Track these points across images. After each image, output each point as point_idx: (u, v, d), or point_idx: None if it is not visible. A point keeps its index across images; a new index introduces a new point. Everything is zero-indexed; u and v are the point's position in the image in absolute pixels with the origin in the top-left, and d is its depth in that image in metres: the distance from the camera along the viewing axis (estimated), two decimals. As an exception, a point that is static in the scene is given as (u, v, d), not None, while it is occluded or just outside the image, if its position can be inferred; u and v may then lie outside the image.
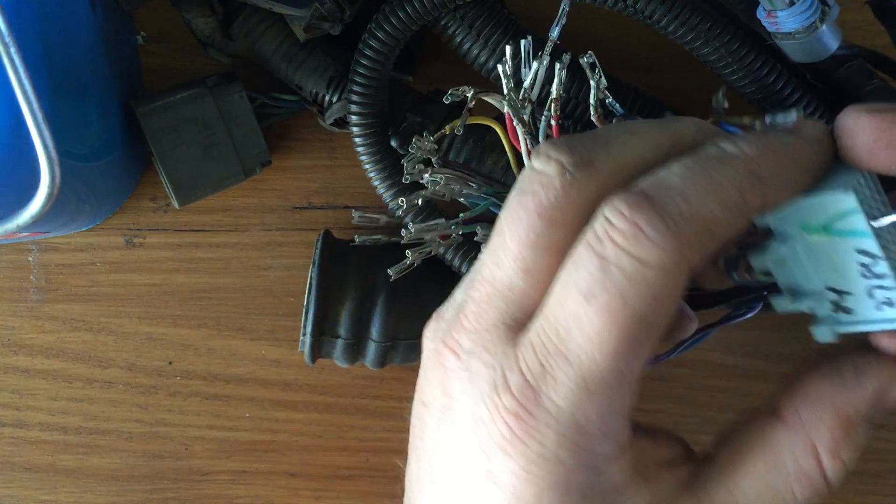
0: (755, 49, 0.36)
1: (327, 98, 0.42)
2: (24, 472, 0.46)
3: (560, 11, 0.32)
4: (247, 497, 0.46)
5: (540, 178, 0.26)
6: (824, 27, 0.31)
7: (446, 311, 0.29)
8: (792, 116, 0.29)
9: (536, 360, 0.25)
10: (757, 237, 0.28)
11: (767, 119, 0.30)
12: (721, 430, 0.29)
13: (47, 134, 0.28)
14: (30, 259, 0.45)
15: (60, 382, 0.45)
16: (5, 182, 0.31)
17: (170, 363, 0.45)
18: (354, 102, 0.39)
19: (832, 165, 0.28)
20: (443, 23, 0.38)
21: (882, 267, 0.27)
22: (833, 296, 0.28)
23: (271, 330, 0.45)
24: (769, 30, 0.32)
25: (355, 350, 0.41)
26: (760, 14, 0.32)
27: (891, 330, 0.28)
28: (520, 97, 0.32)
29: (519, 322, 0.26)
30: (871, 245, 0.26)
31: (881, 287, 0.27)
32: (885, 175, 0.27)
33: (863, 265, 0.27)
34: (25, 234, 0.39)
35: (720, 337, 0.32)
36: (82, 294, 0.45)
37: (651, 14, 0.35)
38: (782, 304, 0.29)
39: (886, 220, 0.26)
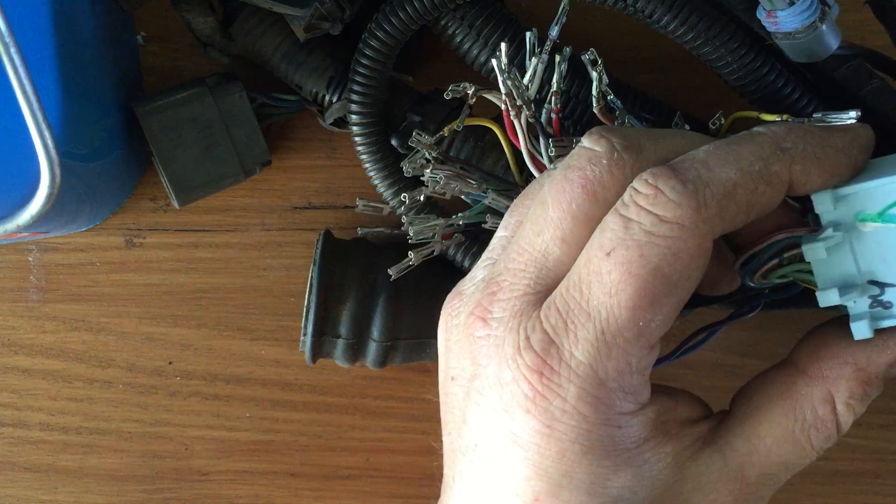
0: (755, 48, 0.36)
1: (327, 98, 0.42)
2: (24, 472, 0.46)
3: (560, 10, 0.32)
4: (247, 497, 0.46)
5: (589, 154, 0.27)
6: (824, 27, 0.31)
7: (466, 287, 0.30)
8: (850, 115, 0.29)
9: (560, 317, 0.26)
10: (804, 229, 0.29)
11: (819, 114, 0.30)
12: (740, 388, 0.30)
13: (47, 134, 0.28)
14: (30, 259, 0.45)
15: (60, 382, 0.45)
16: (5, 182, 0.31)
17: (170, 363, 0.45)
18: (354, 102, 0.39)
19: (887, 160, 0.28)
20: (443, 23, 0.38)
21: None
22: (874, 290, 0.28)
23: (271, 330, 0.45)
24: (769, 29, 0.32)
25: (356, 350, 0.41)
26: (760, 14, 0.32)
27: None
28: (518, 91, 0.32)
29: (549, 289, 0.27)
30: None
31: None
32: None
33: None
34: (25, 234, 0.39)
35: (720, 337, 0.32)
36: (82, 294, 0.45)
37: (651, 13, 0.35)
38: (827, 298, 0.29)
39: None
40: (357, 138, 0.40)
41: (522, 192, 0.31)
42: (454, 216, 0.35)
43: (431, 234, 0.36)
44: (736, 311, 0.32)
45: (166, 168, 0.40)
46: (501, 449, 0.27)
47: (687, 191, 0.26)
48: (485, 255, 0.31)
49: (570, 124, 0.39)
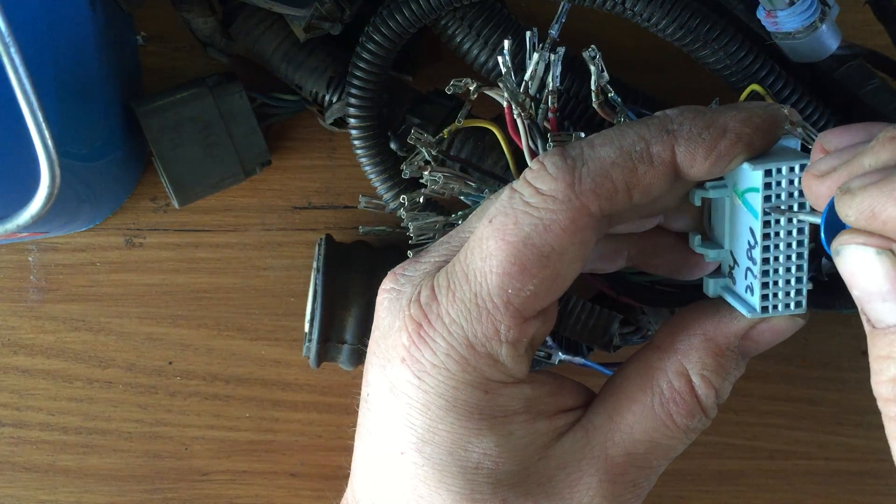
0: (754, 51, 0.36)
1: (327, 98, 0.42)
2: (24, 472, 0.46)
3: (559, 10, 0.32)
4: (247, 497, 0.46)
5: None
6: (824, 27, 0.31)
7: None
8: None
9: (445, 277, 0.27)
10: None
11: None
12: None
13: (47, 134, 0.28)
14: (30, 259, 0.45)
15: (60, 382, 0.45)
16: (5, 182, 0.31)
17: (170, 363, 0.45)
18: (353, 105, 0.39)
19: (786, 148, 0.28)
20: (443, 23, 0.38)
21: (757, 253, 0.27)
22: (730, 259, 0.29)
23: (271, 330, 0.45)
24: (769, 30, 0.32)
25: (361, 354, 0.41)
26: (760, 14, 0.32)
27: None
28: (520, 89, 0.32)
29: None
30: (757, 228, 0.27)
31: (750, 271, 0.28)
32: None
33: (749, 244, 0.28)
34: (25, 234, 0.39)
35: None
36: (82, 294, 0.45)
37: (649, 17, 0.35)
38: (695, 245, 0.30)
39: (777, 213, 0.27)
40: (356, 140, 0.40)
41: None
42: (453, 215, 0.35)
43: (432, 234, 0.36)
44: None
45: (166, 168, 0.40)
46: (383, 398, 0.28)
47: (565, 165, 0.26)
48: None
49: (570, 124, 0.39)
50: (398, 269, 0.30)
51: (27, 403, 0.45)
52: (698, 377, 0.28)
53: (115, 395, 0.45)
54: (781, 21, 0.31)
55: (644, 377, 0.29)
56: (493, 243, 0.26)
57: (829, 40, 0.31)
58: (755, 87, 0.30)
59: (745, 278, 0.28)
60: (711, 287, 0.30)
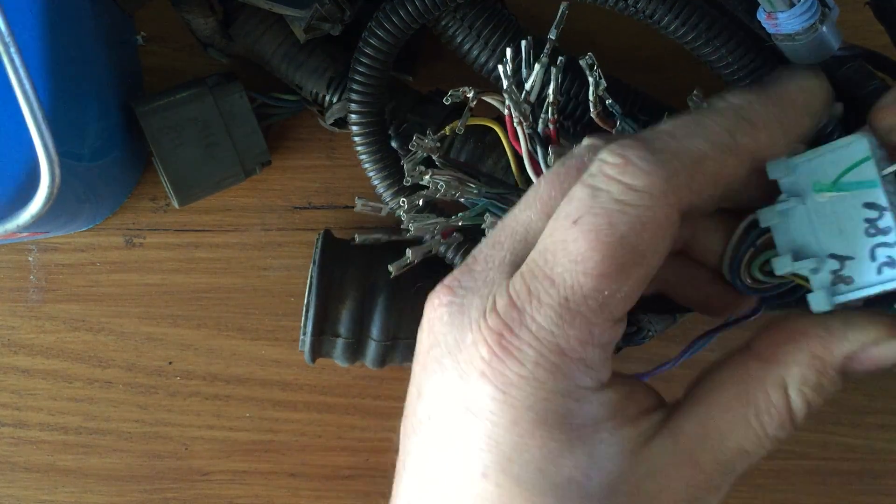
0: (755, 48, 0.36)
1: (327, 98, 0.42)
2: (24, 472, 0.46)
3: (559, 15, 0.32)
4: (247, 497, 0.46)
5: (588, 146, 0.28)
6: (824, 28, 0.31)
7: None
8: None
9: (524, 284, 0.26)
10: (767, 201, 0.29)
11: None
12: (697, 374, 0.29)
13: (47, 134, 0.28)
14: (30, 259, 0.45)
15: (60, 382, 0.45)
16: (5, 182, 0.31)
17: (170, 363, 0.45)
18: (354, 102, 0.39)
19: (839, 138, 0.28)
20: (443, 23, 0.38)
21: (889, 220, 0.27)
22: (834, 264, 0.28)
23: (271, 330, 0.45)
24: (769, 31, 0.32)
25: (355, 349, 0.41)
26: (760, 15, 0.32)
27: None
28: (521, 98, 0.32)
29: (522, 262, 0.27)
30: (880, 196, 0.27)
31: (884, 244, 0.27)
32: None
33: (868, 220, 0.27)
34: (25, 234, 0.39)
35: (720, 337, 0.32)
36: (82, 294, 0.45)
37: (652, 13, 0.35)
38: (783, 264, 0.29)
39: (892, 169, 0.27)
40: (357, 138, 0.40)
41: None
42: (453, 217, 0.35)
43: (431, 234, 0.36)
44: (737, 316, 0.32)
45: (166, 168, 0.40)
46: (454, 419, 0.27)
47: (657, 160, 0.26)
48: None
49: (571, 124, 0.39)
50: (450, 281, 0.28)
51: (27, 403, 0.45)
52: (797, 392, 0.27)
53: (115, 395, 0.46)
54: (782, 23, 0.31)
55: (741, 385, 0.28)
56: (585, 244, 0.25)
57: (830, 42, 0.31)
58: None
59: (874, 259, 0.27)
60: (819, 302, 0.29)
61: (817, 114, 0.28)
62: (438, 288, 0.28)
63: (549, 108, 0.32)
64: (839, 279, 0.28)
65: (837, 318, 0.28)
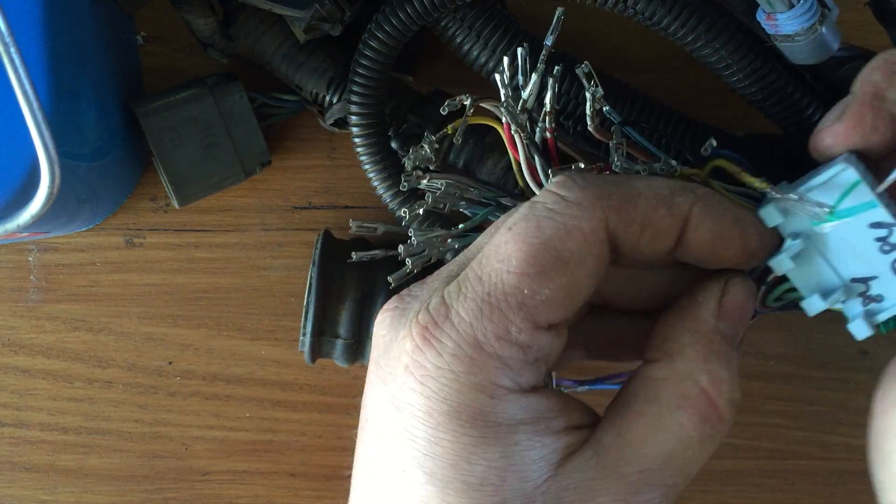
0: (755, 50, 0.36)
1: (327, 99, 0.42)
2: (24, 472, 0.46)
3: (554, 20, 0.32)
4: (247, 497, 0.46)
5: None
6: (824, 29, 0.31)
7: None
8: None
9: (457, 285, 0.27)
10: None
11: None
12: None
13: (47, 134, 0.28)
14: (30, 259, 0.45)
15: (60, 382, 0.45)
16: (5, 182, 0.31)
17: (170, 363, 0.46)
18: (354, 103, 0.39)
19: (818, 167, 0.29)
20: (443, 24, 0.38)
21: None
22: (860, 287, 0.28)
23: (271, 330, 0.45)
24: (769, 32, 0.32)
25: (355, 350, 0.41)
26: (760, 16, 0.32)
27: None
28: (518, 109, 0.32)
29: None
30: (882, 214, 0.27)
31: None
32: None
33: (879, 240, 0.27)
34: (25, 234, 0.39)
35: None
36: (82, 294, 0.45)
37: (651, 15, 0.35)
38: (814, 306, 0.29)
39: (888, 182, 0.27)
40: (357, 139, 0.40)
41: None
42: (454, 228, 0.35)
43: (428, 249, 0.36)
44: None
45: (166, 168, 0.40)
46: (384, 417, 0.27)
47: (594, 182, 0.27)
48: None
49: (571, 124, 0.39)
50: (403, 291, 0.29)
51: (27, 403, 0.45)
52: (703, 374, 0.27)
53: (115, 395, 0.46)
54: (781, 23, 0.31)
55: (648, 390, 0.28)
56: (513, 245, 0.26)
57: (829, 42, 0.31)
58: (721, 162, 0.30)
59: None
60: (860, 329, 0.29)
61: (753, 247, 0.29)
62: (391, 299, 0.29)
63: (547, 118, 0.32)
64: (869, 300, 0.29)
65: (696, 292, 0.29)
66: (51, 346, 0.45)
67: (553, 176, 0.31)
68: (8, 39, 0.27)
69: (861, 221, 0.28)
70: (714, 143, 0.30)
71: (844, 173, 0.28)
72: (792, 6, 0.31)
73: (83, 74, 0.36)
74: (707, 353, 0.28)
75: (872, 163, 0.28)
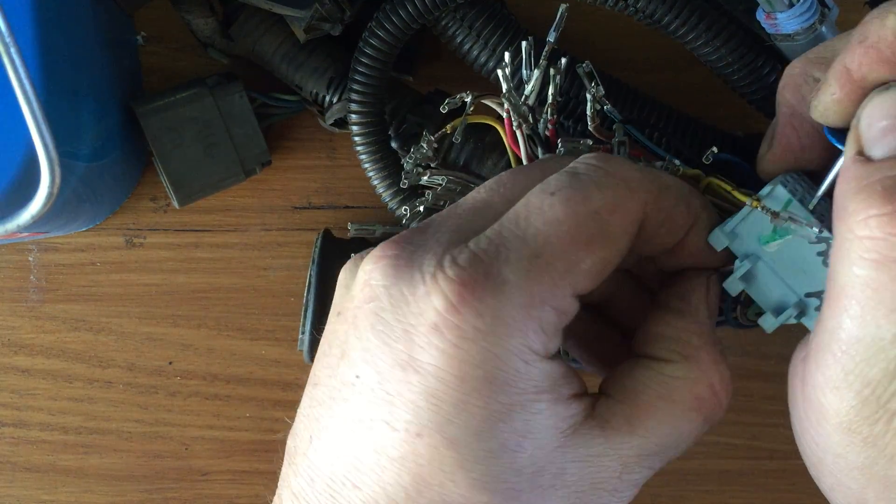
0: (754, 49, 0.36)
1: (327, 98, 0.42)
2: (25, 472, 0.46)
3: (558, 16, 0.32)
4: (247, 497, 0.46)
5: (549, 155, 0.30)
6: (823, 28, 0.31)
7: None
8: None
9: (490, 242, 0.26)
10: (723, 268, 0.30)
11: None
12: (615, 371, 0.30)
13: (47, 134, 0.28)
14: (30, 259, 0.45)
15: (60, 382, 0.45)
16: (5, 182, 0.31)
17: (170, 363, 0.46)
18: (354, 102, 0.39)
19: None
20: (443, 23, 0.38)
21: None
22: (815, 301, 0.29)
23: (271, 330, 0.45)
24: (768, 31, 0.32)
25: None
26: (760, 16, 0.32)
27: None
28: (520, 101, 0.32)
29: (479, 231, 0.26)
30: (815, 230, 0.27)
31: None
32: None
33: (821, 254, 0.28)
34: (25, 234, 0.39)
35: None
36: (82, 294, 0.45)
37: (652, 13, 0.35)
38: (768, 323, 0.29)
39: (817, 198, 0.27)
40: (357, 138, 0.40)
41: None
42: None
43: None
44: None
45: (166, 168, 0.40)
46: (390, 376, 0.25)
47: (637, 166, 0.28)
48: None
49: (571, 124, 0.39)
50: (397, 238, 0.27)
51: (27, 403, 0.45)
52: (716, 375, 0.28)
53: (115, 395, 0.46)
54: (781, 23, 0.31)
55: (662, 387, 0.28)
56: (561, 209, 0.26)
57: (829, 41, 0.31)
58: (712, 179, 0.30)
59: None
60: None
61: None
62: (381, 245, 0.27)
63: (549, 110, 0.32)
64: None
65: (680, 294, 0.30)
66: (51, 346, 0.45)
67: (561, 146, 0.31)
68: (8, 39, 0.27)
69: (801, 238, 0.28)
70: (715, 150, 0.30)
71: (776, 192, 0.28)
72: (791, 5, 0.31)
73: (83, 74, 0.36)
74: (717, 355, 0.28)
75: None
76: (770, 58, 0.36)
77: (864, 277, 0.23)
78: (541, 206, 0.26)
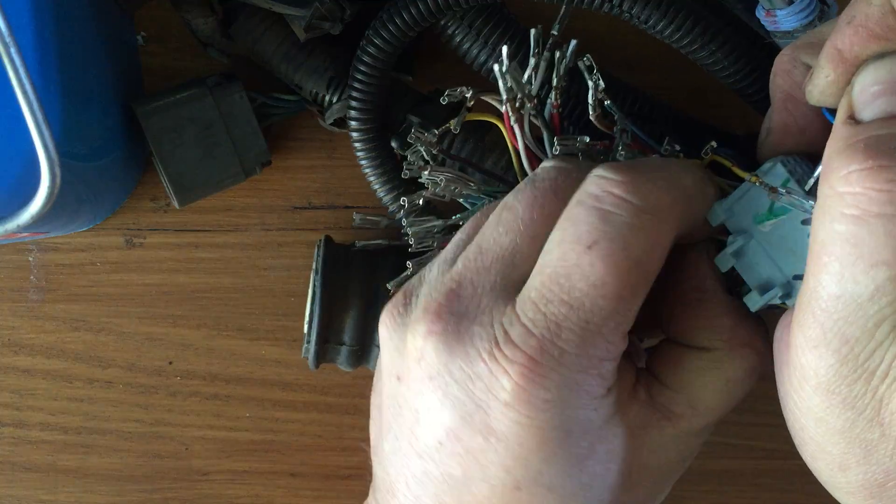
0: (752, 51, 0.36)
1: (327, 98, 0.42)
2: (25, 472, 0.46)
3: (561, 12, 0.32)
4: (247, 497, 0.46)
5: (557, 167, 0.29)
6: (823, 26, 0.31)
7: (417, 287, 0.30)
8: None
9: (538, 311, 0.26)
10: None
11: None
12: (661, 356, 0.31)
13: (47, 134, 0.28)
14: (30, 259, 0.45)
15: (60, 382, 0.45)
16: (5, 182, 0.31)
17: (170, 363, 0.45)
18: (354, 108, 0.39)
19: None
20: (443, 23, 0.38)
21: None
22: (801, 283, 0.29)
23: (271, 330, 0.45)
24: (768, 29, 0.32)
25: (360, 356, 0.41)
26: (759, 13, 0.32)
27: None
28: (519, 94, 0.32)
29: (516, 286, 0.27)
30: (808, 211, 0.27)
31: None
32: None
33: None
34: (25, 234, 0.39)
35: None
36: (82, 294, 0.45)
37: (647, 19, 0.35)
38: (754, 301, 0.29)
39: (813, 178, 0.27)
40: (357, 143, 0.40)
41: (481, 212, 0.31)
42: (453, 217, 0.35)
43: (431, 242, 0.36)
44: None
45: (166, 168, 0.40)
46: (474, 443, 0.27)
47: (655, 181, 0.27)
48: (439, 257, 0.31)
49: (570, 124, 0.39)
50: (436, 308, 0.28)
51: (27, 403, 0.45)
52: (757, 345, 0.29)
53: (115, 395, 0.46)
54: (780, 20, 0.31)
55: (714, 371, 0.30)
56: (603, 269, 0.26)
57: (829, 40, 0.31)
58: (717, 157, 0.30)
59: None
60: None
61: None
62: (426, 315, 0.28)
63: (553, 94, 0.32)
64: None
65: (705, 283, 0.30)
66: (51, 346, 0.45)
67: (557, 144, 0.31)
68: (8, 39, 0.27)
69: (795, 219, 0.28)
70: (714, 145, 0.30)
71: (774, 171, 0.28)
72: (791, 3, 0.31)
73: (83, 74, 0.36)
74: (751, 323, 0.30)
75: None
76: (769, 58, 0.36)
77: (843, 233, 0.23)
78: (580, 264, 0.26)
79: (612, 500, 0.28)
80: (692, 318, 0.30)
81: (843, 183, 0.23)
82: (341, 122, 0.42)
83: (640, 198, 0.26)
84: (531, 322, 0.26)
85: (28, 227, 0.30)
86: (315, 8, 0.37)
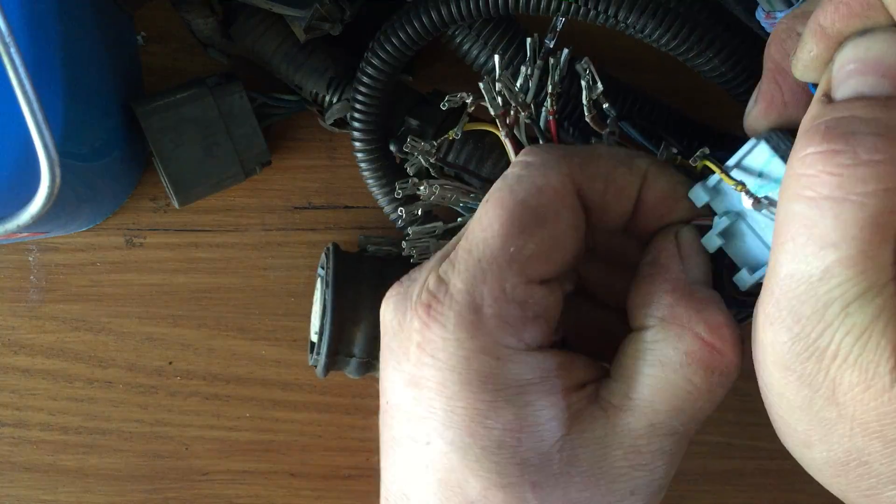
0: (748, 57, 0.36)
1: (327, 98, 0.42)
2: (25, 472, 0.46)
3: (553, 24, 0.32)
4: (247, 497, 0.46)
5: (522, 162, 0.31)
6: (824, 27, 0.31)
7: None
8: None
9: (449, 262, 0.28)
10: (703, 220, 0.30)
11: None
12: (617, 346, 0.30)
13: (47, 134, 0.28)
14: (30, 259, 0.45)
15: (60, 382, 0.45)
16: (5, 182, 0.31)
17: (170, 363, 0.46)
18: (356, 112, 0.39)
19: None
20: (443, 23, 0.38)
21: None
22: None
23: (271, 330, 0.45)
24: (768, 31, 0.32)
25: (369, 366, 0.40)
26: (759, 15, 0.32)
27: None
28: (513, 102, 0.32)
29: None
30: None
31: None
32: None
33: None
34: (25, 234, 0.39)
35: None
36: (82, 294, 0.45)
37: (642, 28, 0.35)
38: (743, 280, 0.29)
39: None
40: (359, 154, 0.40)
41: None
42: (458, 220, 0.35)
43: (429, 247, 0.36)
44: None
45: (166, 168, 0.40)
46: (402, 396, 0.28)
47: (556, 146, 0.30)
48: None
49: (570, 124, 0.39)
50: (403, 277, 0.30)
51: (27, 403, 0.45)
52: (700, 325, 0.28)
53: (115, 395, 0.46)
54: (781, 22, 0.31)
55: (649, 353, 0.28)
56: (492, 212, 0.28)
57: (829, 41, 0.31)
58: (707, 161, 0.30)
59: None
60: None
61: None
62: (392, 287, 0.30)
63: (549, 101, 0.32)
64: None
65: (653, 254, 0.30)
66: (51, 346, 0.45)
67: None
68: (8, 39, 0.27)
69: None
70: (707, 151, 0.30)
71: (758, 149, 0.28)
72: (791, 4, 0.31)
73: (83, 74, 0.36)
74: (696, 303, 0.28)
75: None
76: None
77: (798, 214, 0.23)
78: (479, 216, 0.28)
79: (528, 482, 0.27)
80: (638, 295, 0.29)
81: (801, 164, 0.23)
82: (341, 123, 0.42)
83: (532, 156, 0.29)
84: (443, 271, 0.28)
85: (28, 227, 0.30)
86: (315, 9, 0.37)
